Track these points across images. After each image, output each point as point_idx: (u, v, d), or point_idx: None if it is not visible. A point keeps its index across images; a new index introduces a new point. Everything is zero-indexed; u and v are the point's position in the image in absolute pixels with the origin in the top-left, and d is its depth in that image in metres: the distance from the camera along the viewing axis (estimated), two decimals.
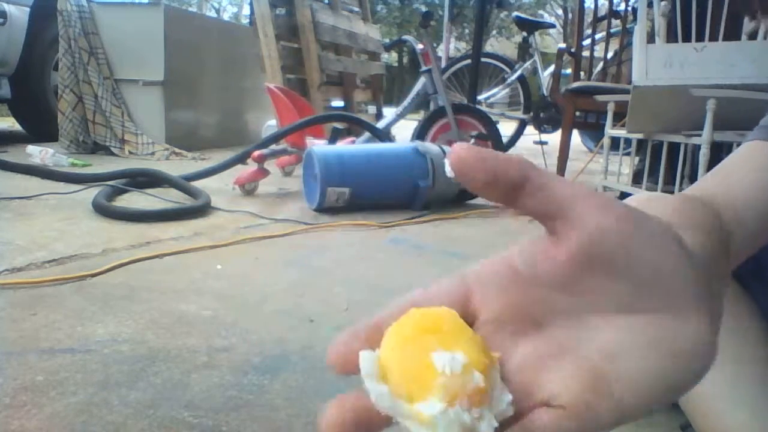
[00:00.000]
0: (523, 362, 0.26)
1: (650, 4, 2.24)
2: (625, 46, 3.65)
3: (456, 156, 0.24)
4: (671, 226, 0.27)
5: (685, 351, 0.25)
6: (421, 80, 3.04)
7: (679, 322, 0.25)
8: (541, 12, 18.96)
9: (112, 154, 3.80)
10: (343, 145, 2.87)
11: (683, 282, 0.25)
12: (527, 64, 4.75)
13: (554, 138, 3.74)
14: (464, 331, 0.25)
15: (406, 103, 3.16)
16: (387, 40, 5.13)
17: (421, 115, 3.16)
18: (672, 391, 0.25)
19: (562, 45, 3.88)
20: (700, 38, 2.18)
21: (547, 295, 0.26)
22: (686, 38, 2.20)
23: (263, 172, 2.70)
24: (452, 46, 8.45)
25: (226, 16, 21.42)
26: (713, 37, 2.18)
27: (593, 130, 3.99)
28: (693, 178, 2.25)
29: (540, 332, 0.26)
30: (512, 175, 0.24)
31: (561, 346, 0.25)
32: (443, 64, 4.94)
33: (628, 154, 2.81)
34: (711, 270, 0.28)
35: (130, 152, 3.80)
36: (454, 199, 2.67)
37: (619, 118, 2.68)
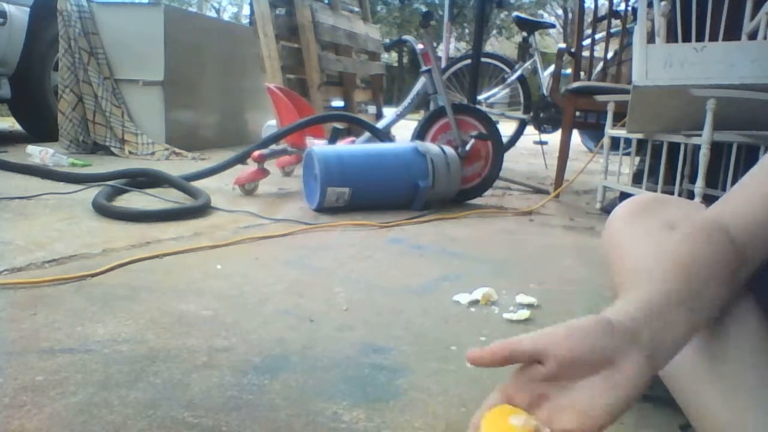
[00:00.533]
0: (547, 416, 0.49)
1: (650, 4, 2.24)
2: (625, 46, 3.65)
3: (469, 359, 0.51)
4: (597, 324, 0.50)
5: (624, 386, 0.48)
6: (421, 80, 3.04)
7: (615, 372, 0.48)
8: (541, 12, 18.97)
9: (112, 154, 3.80)
10: (343, 145, 2.87)
11: (610, 352, 0.48)
12: (527, 64, 4.74)
13: (554, 138, 3.74)
14: (519, 409, 0.49)
15: (406, 103, 3.16)
16: (387, 40, 5.11)
17: (421, 115, 3.16)
18: (622, 410, 0.48)
19: (562, 45, 3.87)
20: (700, 38, 2.18)
21: (546, 386, 0.49)
22: (686, 38, 2.20)
23: (263, 172, 2.70)
24: (452, 46, 8.45)
25: (226, 16, 21.43)
26: (713, 37, 2.18)
27: (593, 130, 3.99)
28: (693, 178, 2.25)
29: (550, 401, 0.49)
30: (502, 354, 0.50)
31: (562, 405, 0.48)
32: (443, 64, 4.93)
33: (628, 154, 2.81)
34: (640, 327, 0.50)
35: (130, 152, 3.80)
36: (454, 199, 2.67)
37: (619, 118, 2.68)
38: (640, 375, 0.47)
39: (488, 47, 16.71)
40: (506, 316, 1.30)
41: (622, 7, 3.50)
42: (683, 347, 0.54)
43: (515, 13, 6.02)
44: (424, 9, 16.48)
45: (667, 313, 0.52)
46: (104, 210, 2.08)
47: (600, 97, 2.74)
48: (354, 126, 3.52)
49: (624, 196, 2.50)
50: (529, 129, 4.59)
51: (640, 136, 2.50)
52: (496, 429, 0.45)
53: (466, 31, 18.17)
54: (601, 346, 0.47)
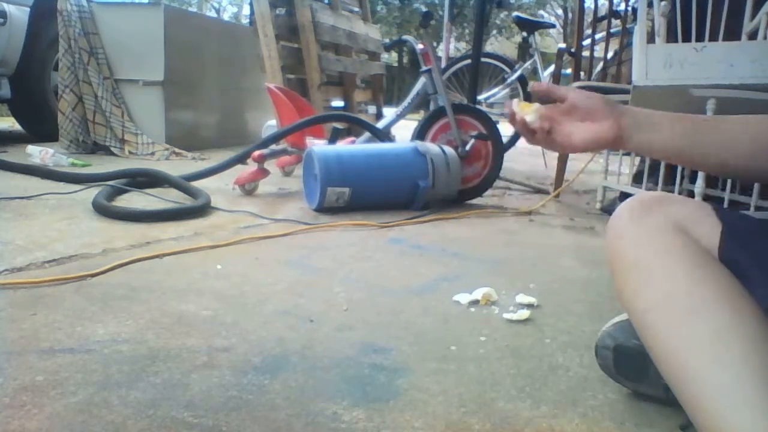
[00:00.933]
0: (558, 126, 0.82)
1: (650, 4, 2.24)
2: (625, 46, 3.65)
3: (532, 88, 0.90)
4: (602, 97, 0.82)
5: (596, 132, 0.80)
6: (421, 80, 3.04)
7: (600, 122, 0.80)
8: (541, 12, 18.95)
9: (112, 154, 3.80)
10: (343, 145, 2.87)
11: (601, 112, 0.80)
12: (527, 64, 4.74)
13: None
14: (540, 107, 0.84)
15: (406, 103, 3.16)
16: (387, 40, 5.11)
17: (421, 115, 3.16)
18: (588, 146, 0.81)
19: (562, 45, 3.87)
20: (700, 38, 2.18)
21: (560, 117, 0.82)
22: (686, 38, 2.20)
23: (263, 172, 2.70)
24: (452, 46, 8.44)
25: (226, 16, 21.43)
26: (713, 37, 2.18)
27: None
28: (693, 179, 2.25)
29: (557, 123, 0.82)
30: (547, 89, 0.85)
31: (561, 127, 0.82)
32: (443, 64, 4.93)
33: (628, 154, 2.81)
34: (627, 112, 0.80)
35: (130, 152, 3.80)
36: (454, 199, 2.67)
37: None
38: (608, 132, 0.78)
39: (488, 47, 16.71)
40: (506, 316, 1.30)
41: (622, 7, 3.50)
42: (658, 153, 0.83)
43: (515, 13, 6.01)
44: (424, 9, 16.47)
45: (653, 121, 0.79)
46: (104, 210, 2.08)
47: None
48: (354, 126, 3.52)
49: (624, 196, 2.50)
50: None
51: None
52: (523, 104, 0.82)
53: (466, 31, 18.16)
54: (597, 106, 0.79)
